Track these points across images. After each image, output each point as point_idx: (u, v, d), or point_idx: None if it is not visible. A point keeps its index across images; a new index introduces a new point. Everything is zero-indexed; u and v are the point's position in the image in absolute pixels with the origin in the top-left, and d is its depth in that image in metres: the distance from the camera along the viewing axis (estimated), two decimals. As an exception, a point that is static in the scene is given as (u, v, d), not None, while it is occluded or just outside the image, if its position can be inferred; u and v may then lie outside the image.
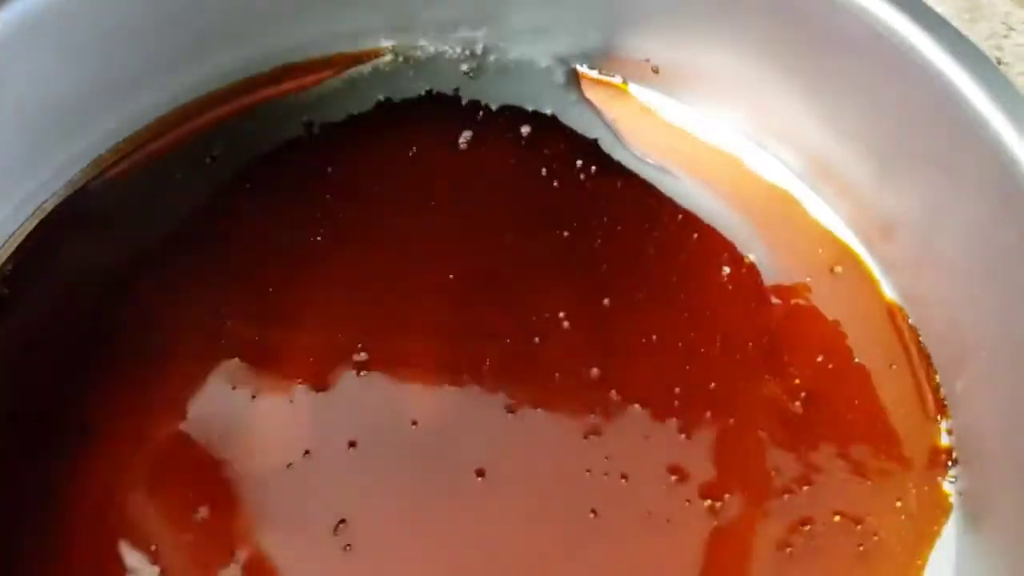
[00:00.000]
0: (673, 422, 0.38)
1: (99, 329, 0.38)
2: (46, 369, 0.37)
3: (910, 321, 0.40)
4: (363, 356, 0.38)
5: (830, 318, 0.40)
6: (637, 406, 0.38)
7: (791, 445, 0.38)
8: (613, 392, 0.38)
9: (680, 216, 0.42)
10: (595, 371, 0.38)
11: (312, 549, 0.35)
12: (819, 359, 0.39)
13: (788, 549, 0.36)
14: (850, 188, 0.40)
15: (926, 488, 0.37)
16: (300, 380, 0.38)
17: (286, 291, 0.40)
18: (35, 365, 0.37)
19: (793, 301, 0.40)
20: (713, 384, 0.38)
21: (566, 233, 0.41)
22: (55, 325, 0.38)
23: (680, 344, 0.39)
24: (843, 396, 0.39)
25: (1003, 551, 0.34)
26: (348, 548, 0.35)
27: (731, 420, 0.38)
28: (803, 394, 0.38)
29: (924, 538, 0.36)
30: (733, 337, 0.39)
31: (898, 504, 0.37)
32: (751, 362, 0.39)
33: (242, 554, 0.34)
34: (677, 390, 0.38)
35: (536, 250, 0.41)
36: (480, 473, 0.36)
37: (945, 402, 0.38)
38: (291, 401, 0.37)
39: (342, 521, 0.35)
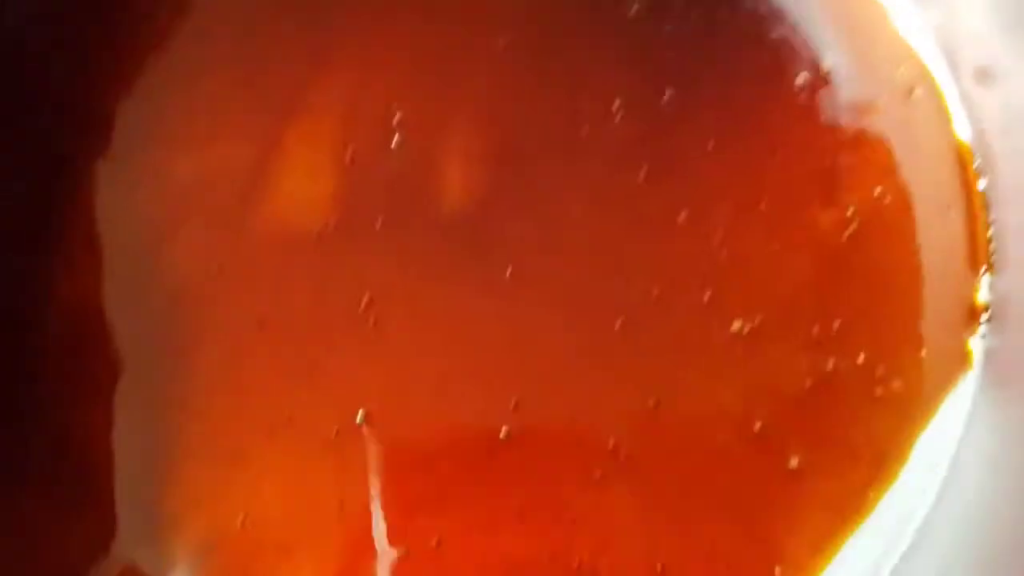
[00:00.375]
0: (716, 237, 0.36)
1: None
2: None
3: (976, 166, 0.37)
4: (397, 117, 0.35)
5: (897, 149, 0.37)
6: (682, 215, 0.36)
7: (831, 279, 0.36)
8: (658, 197, 0.36)
9: (764, 8, 0.37)
10: (642, 173, 0.36)
11: (339, 321, 0.34)
12: (876, 192, 0.37)
13: (808, 381, 0.36)
14: (955, 13, 0.37)
15: (954, 342, 0.36)
16: (328, 134, 0.35)
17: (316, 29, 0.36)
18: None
19: (862, 124, 0.37)
20: (763, 204, 0.36)
21: (635, 8, 0.37)
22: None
23: (737, 154, 0.37)
24: (893, 235, 0.37)
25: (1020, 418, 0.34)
26: (376, 325, 0.34)
27: (776, 245, 0.36)
28: (853, 227, 0.37)
29: (941, 391, 0.36)
30: (794, 155, 0.37)
31: (923, 354, 0.36)
32: (807, 186, 0.37)
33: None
34: (726, 205, 0.36)
35: (599, 27, 0.37)
36: (510, 266, 0.35)
37: (993, 257, 0.37)
38: (317, 163, 0.35)
39: (370, 300, 0.34)
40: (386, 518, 0.33)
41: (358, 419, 0.34)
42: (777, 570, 0.34)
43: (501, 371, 0.34)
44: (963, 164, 0.38)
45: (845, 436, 0.35)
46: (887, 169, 0.37)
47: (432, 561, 0.34)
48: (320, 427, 0.34)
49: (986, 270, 0.37)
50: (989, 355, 0.36)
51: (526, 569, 0.34)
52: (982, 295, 0.37)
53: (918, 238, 0.37)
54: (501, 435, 0.34)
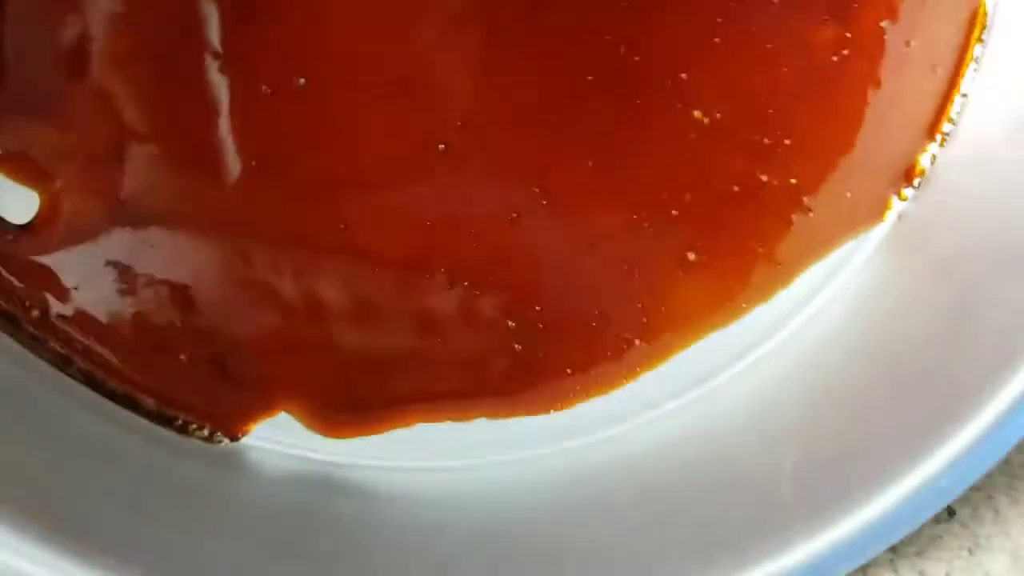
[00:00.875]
0: (715, 20, 0.34)
1: None
2: None
3: (981, 34, 0.36)
4: None
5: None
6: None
7: (799, 96, 0.36)
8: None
9: None
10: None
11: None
12: (882, 24, 0.36)
13: (735, 187, 0.36)
14: None
15: (878, 193, 0.37)
16: None
17: None
18: None
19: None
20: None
21: None
22: None
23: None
24: (873, 73, 0.36)
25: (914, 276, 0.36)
26: None
27: (768, 45, 0.35)
28: (844, 52, 0.36)
29: (848, 233, 0.37)
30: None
31: (848, 195, 0.37)
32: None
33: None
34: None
35: None
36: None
37: (949, 130, 0.37)
38: None
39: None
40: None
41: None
42: (637, 343, 0.36)
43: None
44: (971, 27, 0.37)
45: (746, 246, 0.37)
46: (899, 8, 0.36)
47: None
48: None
49: (939, 140, 0.37)
50: (902, 217, 0.37)
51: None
52: (923, 160, 0.37)
53: (894, 83, 0.37)
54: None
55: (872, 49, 0.36)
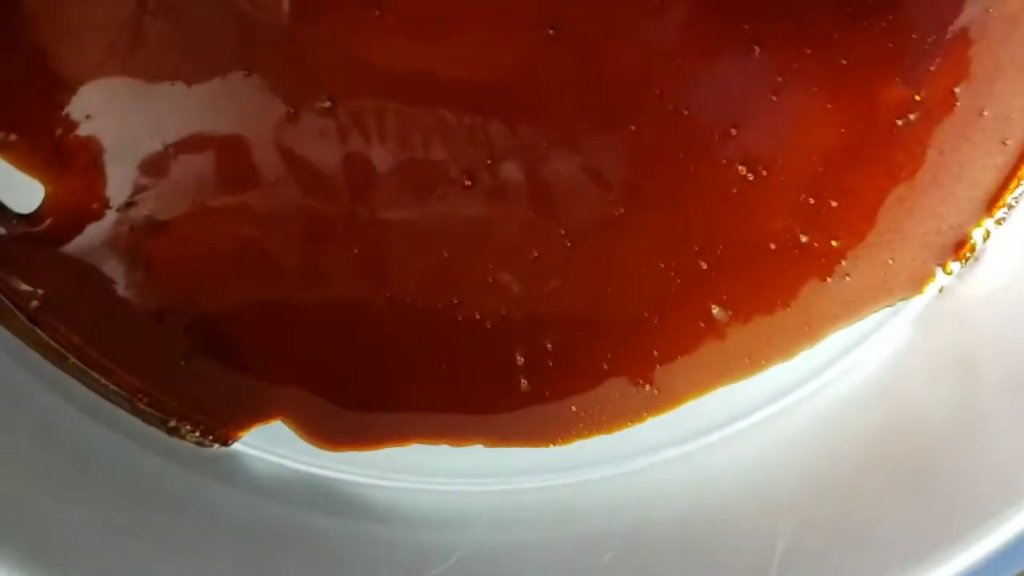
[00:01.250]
0: (778, 75, 0.32)
1: None
2: None
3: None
4: None
5: (995, 57, 0.33)
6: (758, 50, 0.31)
7: (855, 158, 0.34)
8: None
9: None
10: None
11: None
12: (956, 91, 0.33)
13: (772, 245, 0.34)
14: None
15: (922, 265, 0.35)
16: None
17: None
18: None
19: (980, 20, 0.32)
20: (844, 59, 0.32)
21: None
22: None
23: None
24: (937, 141, 0.34)
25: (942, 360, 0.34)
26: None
27: (829, 104, 0.33)
28: (912, 116, 0.33)
29: (883, 301, 0.35)
30: (901, 23, 0.32)
31: (890, 262, 0.35)
32: (895, 56, 0.32)
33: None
34: (805, 49, 0.31)
35: None
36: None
37: (1008, 209, 0.35)
38: None
39: None
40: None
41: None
42: (647, 388, 0.35)
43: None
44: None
45: (774, 305, 0.35)
46: (977, 74, 0.33)
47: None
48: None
49: (996, 217, 0.35)
50: (943, 292, 0.35)
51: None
52: (975, 235, 0.35)
53: (959, 152, 0.34)
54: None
55: (941, 114, 0.34)
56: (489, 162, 0.32)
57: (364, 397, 0.35)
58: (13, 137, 0.31)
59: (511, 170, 0.32)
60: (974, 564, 0.29)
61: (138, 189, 0.32)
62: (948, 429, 0.33)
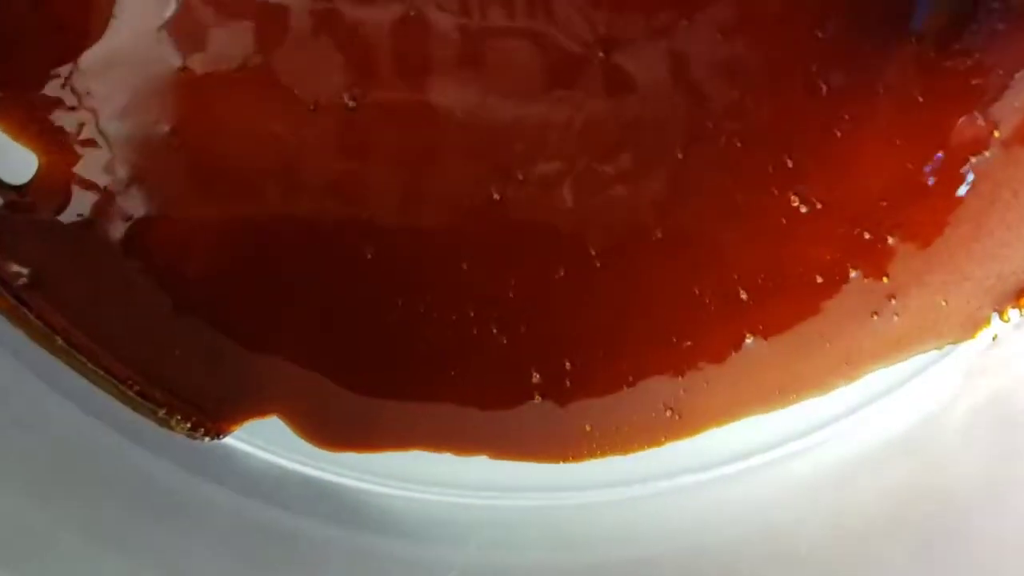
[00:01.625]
0: (840, 108, 0.29)
1: None
2: None
3: None
4: None
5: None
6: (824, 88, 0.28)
7: (918, 196, 0.31)
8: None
9: None
10: None
11: None
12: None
13: (818, 278, 0.32)
14: None
15: (977, 310, 0.33)
16: None
17: None
18: None
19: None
20: (919, 95, 0.29)
21: None
22: None
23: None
24: (1010, 180, 0.31)
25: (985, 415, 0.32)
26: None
27: (897, 139, 0.30)
28: (986, 154, 0.30)
29: (930, 344, 0.33)
30: (986, 59, 0.29)
31: (943, 303, 0.32)
32: (973, 89, 0.29)
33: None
34: (879, 79, 0.28)
35: None
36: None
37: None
38: None
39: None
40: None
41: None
42: (668, 413, 0.33)
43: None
44: None
45: (812, 340, 0.33)
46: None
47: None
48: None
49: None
50: (996, 341, 0.33)
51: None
52: (1031, 305, 0.32)
53: (1026, 195, 0.31)
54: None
55: (1020, 153, 0.30)
56: (520, 177, 0.29)
57: (369, 388, 0.33)
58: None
59: (549, 181, 0.29)
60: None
61: (135, 166, 0.29)
62: (981, 493, 0.30)
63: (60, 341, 0.30)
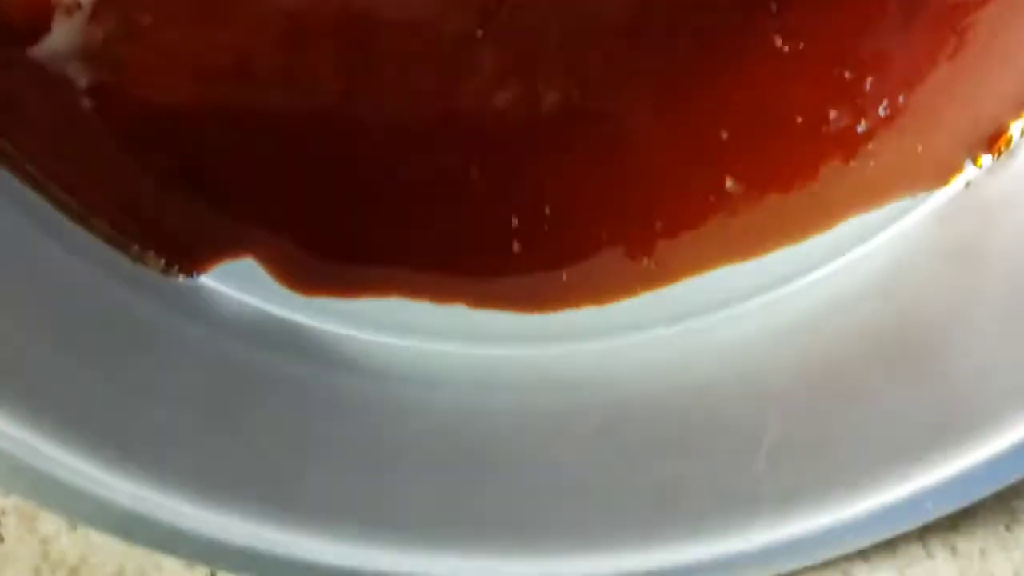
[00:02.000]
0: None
1: None
2: None
3: None
4: None
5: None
6: None
7: (902, 31, 0.31)
8: None
9: None
10: None
11: None
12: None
13: (798, 119, 0.32)
14: None
15: (951, 155, 0.33)
16: None
17: None
18: None
19: None
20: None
21: None
22: None
23: None
24: (996, 20, 0.31)
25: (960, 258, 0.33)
26: None
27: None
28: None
29: (904, 189, 0.33)
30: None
31: (918, 149, 0.33)
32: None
33: None
34: None
35: None
36: None
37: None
38: None
39: None
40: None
41: None
42: (644, 261, 0.33)
43: None
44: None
45: (791, 183, 0.33)
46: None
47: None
48: None
49: (1038, 113, 0.32)
50: (970, 187, 0.33)
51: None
52: (1014, 129, 0.33)
53: (1015, 35, 0.32)
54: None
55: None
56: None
57: (344, 244, 0.33)
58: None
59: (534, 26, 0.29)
60: (973, 466, 0.28)
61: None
62: (952, 323, 0.31)
63: (31, 168, 0.30)
